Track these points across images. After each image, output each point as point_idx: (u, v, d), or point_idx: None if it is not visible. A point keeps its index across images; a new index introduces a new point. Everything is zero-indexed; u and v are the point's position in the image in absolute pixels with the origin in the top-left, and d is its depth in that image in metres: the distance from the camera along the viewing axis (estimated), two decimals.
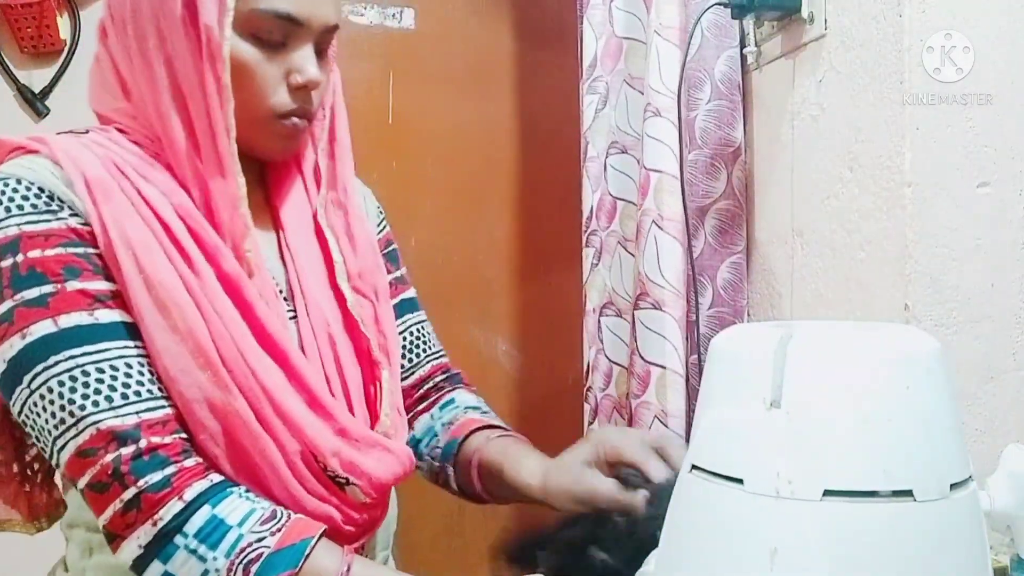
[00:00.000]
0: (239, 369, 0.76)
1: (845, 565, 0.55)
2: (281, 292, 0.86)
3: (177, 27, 0.77)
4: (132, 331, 0.75)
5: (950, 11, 0.99)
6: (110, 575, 0.81)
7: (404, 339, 1.01)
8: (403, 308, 1.02)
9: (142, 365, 0.74)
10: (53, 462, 0.75)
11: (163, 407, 0.74)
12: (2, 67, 1.88)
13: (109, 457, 0.71)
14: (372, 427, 0.86)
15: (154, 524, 0.71)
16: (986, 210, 1.00)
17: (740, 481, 0.58)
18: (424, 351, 1.04)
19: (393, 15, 1.88)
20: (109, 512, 0.72)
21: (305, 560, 0.71)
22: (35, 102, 1.92)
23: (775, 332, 0.62)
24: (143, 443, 0.72)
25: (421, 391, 1.04)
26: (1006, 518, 0.86)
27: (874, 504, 0.56)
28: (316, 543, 0.73)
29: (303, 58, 0.81)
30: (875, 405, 0.57)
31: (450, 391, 1.05)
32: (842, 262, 1.12)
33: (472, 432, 0.98)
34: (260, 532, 0.72)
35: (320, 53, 0.84)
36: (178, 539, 0.71)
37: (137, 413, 0.72)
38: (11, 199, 0.74)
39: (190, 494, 0.72)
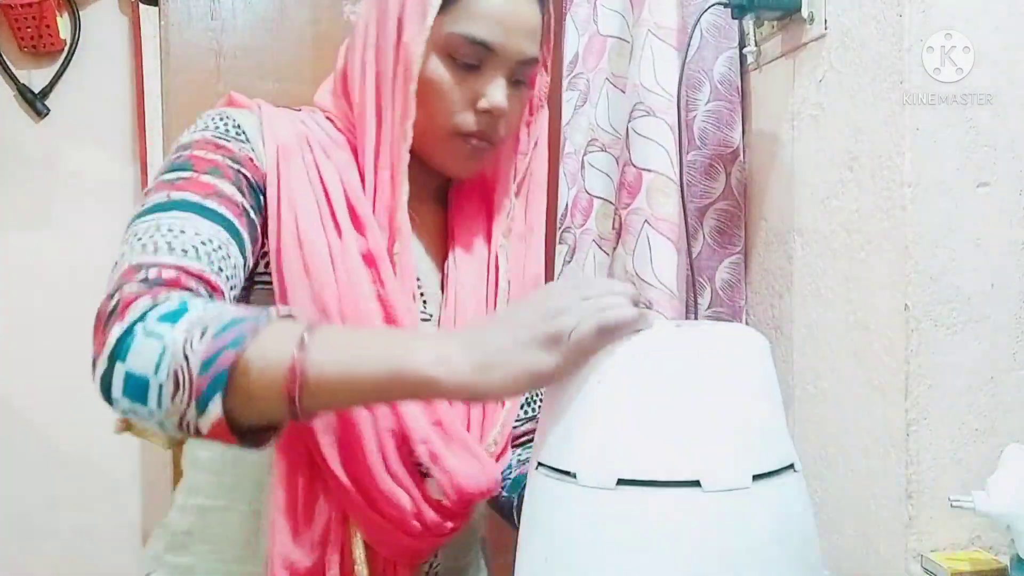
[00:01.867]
0: None
1: (637, 551, 0.58)
2: (424, 299, 0.89)
3: (388, 46, 0.85)
4: (228, 226, 0.77)
5: (950, 11, 0.99)
6: (206, 515, 0.86)
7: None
8: None
9: (211, 241, 0.75)
10: None
11: (204, 268, 0.72)
12: (2, 67, 1.89)
13: (132, 278, 0.70)
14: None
15: (122, 321, 0.66)
16: (986, 210, 1.00)
17: (566, 472, 0.63)
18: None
19: None
20: (95, 333, 0.68)
21: (268, 319, 0.66)
22: (35, 102, 1.92)
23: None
24: (153, 272, 0.70)
25: (527, 437, 1.06)
26: (1006, 518, 0.86)
27: (663, 492, 0.59)
28: (283, 316, 0.68)
29: (493, 84, 0.86)
30: (673, 398, 0.60)
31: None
32: (842, 262, 1.12)
33: None
34: (226, 307, 0.68)
35: (515, 83, 0.88)
36: (137, 327, 0.65)
37: (172, 259, 0.72)
38: (214, 122, 0.84)
39: (164, 294, 0.68)
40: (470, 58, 0.85)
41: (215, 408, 0.64)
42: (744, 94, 1.35)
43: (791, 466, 0.63)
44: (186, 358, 0.64)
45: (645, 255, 1.33)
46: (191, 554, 0.88)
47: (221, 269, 0.75)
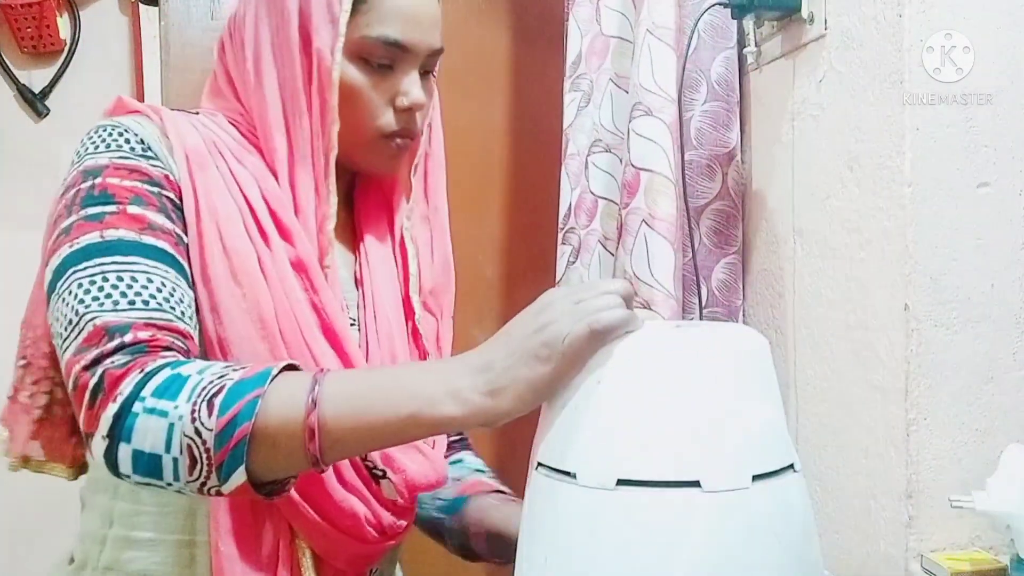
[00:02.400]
0: (296, 346, 0.78)
1: (637, 551, 0.58)
2: (346, 303, 0.87)
3: (292, 52, 0.82)
4: (171, 261, 0.75)
5: (950, 11, 0.99)
6: (129, 548, 0.81)
7: None
8: None
9: (164, 286, 0.73)
10: (64, 373, 0.71)
11: (171, 318, 0.72)
12: (2, 67, 1.88)
13: (93, 352, 0.68)
14: None
15: (115, 401, 0.66)
16: (986, 210, 1.00)
17: (565, 472, 0.62)
18: None
19: None
20: (83, 407, 0.68)
21: (272, 380, 0.66)
22: (35, 102, 1.92)
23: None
24: (128, 336, 0.69)
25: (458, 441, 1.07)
26: (1006, 518, 0.86)
27: (663, 493, 0.59)
28: (283, 368, 0.68)
29: (409, 82, 0.85)
30: (674, 399, 0.60)
31: (459, 451, 1.06)
32: (842, 262, 1.12)
33: (481, 493, 0.98)
34: (222, 372, 0.68)
35: (424, 74, 0.88)
36: (136, 406, 0.66)
37: (139, 315, 0.70)
38: (114, 139, 0.78)
39: (152, 365, 0.67)
40: (384, 59, 0.84)
41: (238, 477, 0.65)
42: (744, 94, 1.35)
43: (791, 466, 0.63)
44: (198, 433, 0.64)
45: (642, 255, 1.33)
46: None
47: (183, 313, 0.73)
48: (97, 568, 0.83)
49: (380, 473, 0.82)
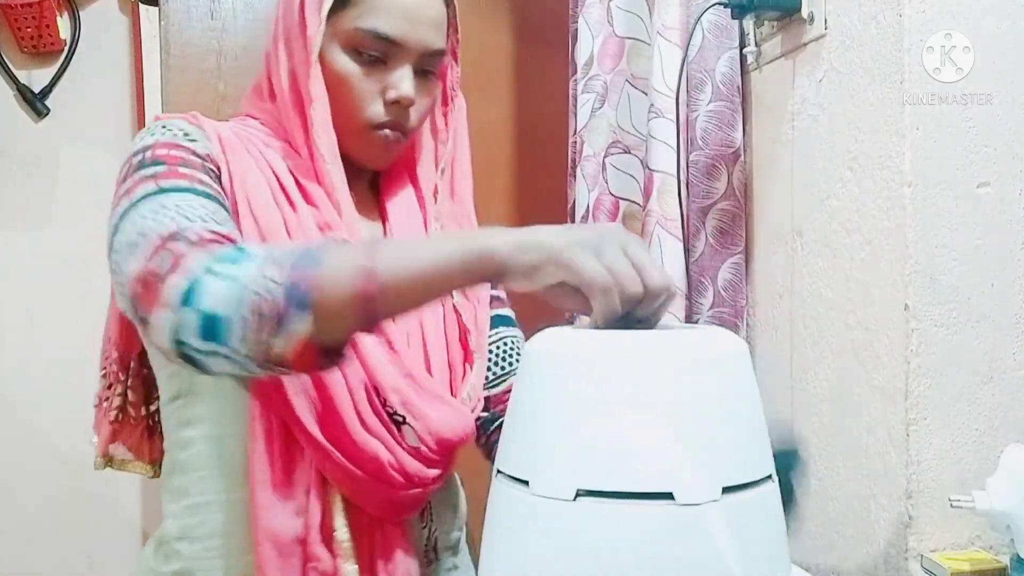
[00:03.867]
0: None
1: (598, 566, 0.55)
2: None
3: (296, 41, 0.88)
4: (222, 203, 0.80)
5: (950, 11, 0.99)
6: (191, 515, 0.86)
7: (495, 349, 1.02)
8: (497, 322, 1.04)
9: (218, 215, 0.77)
10: (124, 298, 0.73)
11: (229, 231, 0.75)
12: (2, 67, 1.89)
13: (160, 252, 0.71)
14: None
15: (180, 274, 0.68)
16: (986, 210, 1.00)
17: (520, 481, 0.60)
18: (514, 362, 1.05)
19: None
20: (143, 293, 0.70)
21: (338, 242, 0.71)
22: (35, 102, 1.92)
23: (579, 336, 0.63)
24: (192, 235, 0.72)
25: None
26: (1006, 518, 0.86)
27: (630, 505, 0.55)
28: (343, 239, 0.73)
29: (399, 76, 0.87)
30: (643, 409, 0.57)
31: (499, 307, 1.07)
32: (842, 262, 1.12)
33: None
34: (290, 247, 0.72)
35: (423, 74, 0.90)
36: (204, 274, 0.67)
37: (203, 225, 0.74)
38: (159, 129, 0.84)
39: (217, 247, 0.71)
40: (375, 51, 0.86)
41: (303, 328, 0.66)
42: (744, 94, 1.36)
43: (768, 477, 0.61)
44: (267, 289, 0.66)
45: (656, 255, 1.33)
46: (184, 558, 0.87)
47: (237, 238, 0.77)
48: (169, 541, 0.88)
49: (400, 419, 0.84)
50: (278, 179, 0.85)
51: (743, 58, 1.33)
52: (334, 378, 0.80)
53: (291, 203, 0.85)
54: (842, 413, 1.13)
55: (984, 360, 1.00)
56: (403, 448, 0.84)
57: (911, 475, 0.99)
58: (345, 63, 0.87)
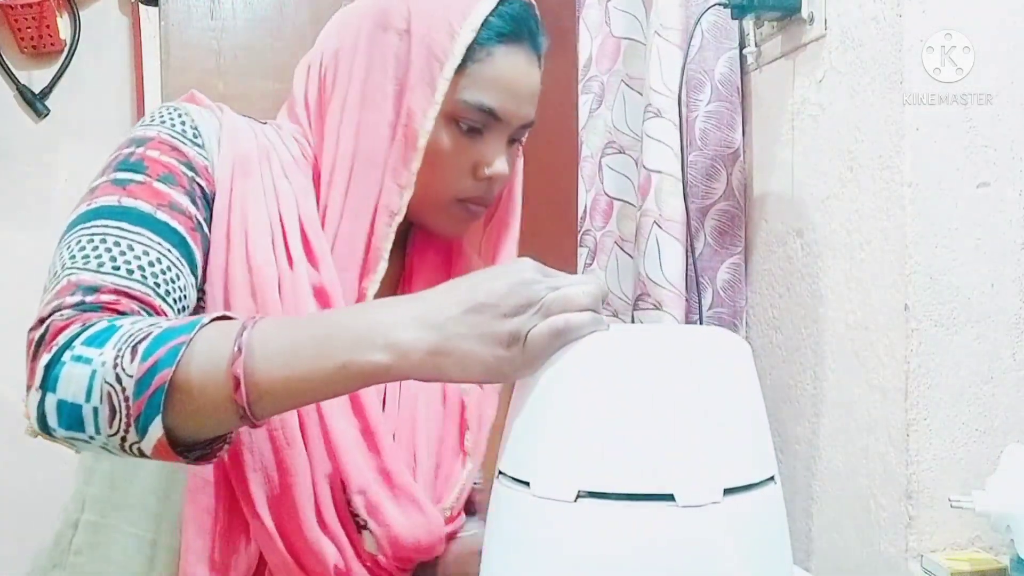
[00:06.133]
0: None
1: (599, 566, 0.55)
2: None
3: (381, 100, 0.80)
4: (178, 242, 0.73)
5: (950, 11, 0.99)
6: (97, 534, 0.81)
7: None
8: None
9: (159, 262, 0.70)
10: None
11: (148, 291, 0.69)
12: (2, 67, 1.89)
13: (54, 303, 0.66)
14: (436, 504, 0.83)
15: (49, 352, 0.63)
16: (986, 210, 1.00)
17: (521, 482, 0.59)
18: None
19: None
20: (27, 360, 0.65)
21: (200, 328, 0.62)
22: (35, 102, 1.92)
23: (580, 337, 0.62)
24: (91, 297, 0.66)
25: None
26: (1006, 518, 0.86)
27: (631, 507, 0.55)
28: (216, 317, 0.64)
29: (495, 152, 0.83)
30: (645, 410, 0.56)
31: None
32: (842, 262, 1.12)
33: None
34: (155, 321, 0.64)
35: (511, 142, 0.86)
36: (66, 355, 0.62)
37: (115, 280, 0.68)
38: (170, 117, 0.79)
39: (95, 319, 0.64)
40: (476, 124, 0.82)
41: (156, 431, 0.60)
42: (744, 94, 1.36)
43: (771, 478, 0.60)
44: (118, 380, 0.60)
45: (654, 256, 1.33)
46: (78, 575, 0.81)
47: (169, 292, 0.71)
48: (68, 551, 0.83)
49: (362, 524, 0.78)
50: (282, 224, 0.78)
51: (743, 58, 1.33)
52: (299, 462, 0.74)
53: (289, 256, 0.77)
54: (842, 413, 1.13)
55: (984, 360, 1.00)
56: (358, 555, 0.78)
57: (911, 475, 0.99)
58: (440, 134, 0.81)
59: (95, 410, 0.61)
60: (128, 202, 0.72)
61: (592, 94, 1.51)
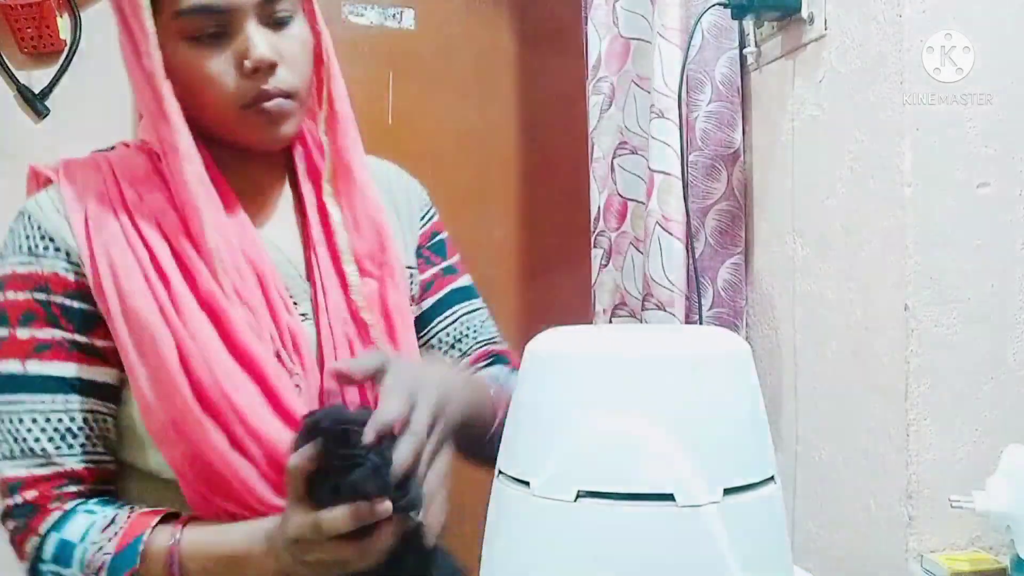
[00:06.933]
0: (212, 390, 0.76)
1: (599, 566, 0.55)
2: (293, 298, 0.84)
3: (132, 56, 0.82)
4: (58, 386, 0.80)
5: (950, 11, 0.99)
6: None
7: (450, 332, 0.98)
8: (451, 299, 0.99)
9: (47, 420, 0.79)
10: None
11: (58, 464, 0.80)
12: (2, 67, 1.89)
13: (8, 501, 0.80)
14: None
15: (25, 559, 0.79)
16: (986, 210, 1.00)
17: (521, 482, 0.59)
18: (472, 339, 0.99)
19: (393, 16, 1.88)
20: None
21: (141, 557, 0.75)
22: (35, 102, 1.92)
23: (581, 336, 0.63)
24: (18, 498, 0.79)
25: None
26: (1006, 518, 0.86)
27: (631, 506, 0.55)
28: (150, 534, 0.76)
29: (245, 40, 0.78)
30: (645, 410, 0.56)
31: (487, 366, 0.99)
32: (842, 262, 1.12)
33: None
34: (99, 541, 0.76)
35: (277, 25, 0.81)
36: (42, 567, 0.78)
37: (27, 470, 0.79)
38: (18, 236, 0.82)
39: (43, 528, 0.78)
40: (209, 27, 0.78)
41: None
42: (744, 94, 1.36)
43: (771, 478, 0.60)
44: None
45: (657, 256, 1.34)
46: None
47: (71, 445, 0.80)
48: None
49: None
50: (149, 251, 0.79)
51: (743, 58, 1.33)
52: (242, 468, 0.76)
53: (165, 282, 0.78)
54: (842, 413, 1.13)
55: (984, 360, 1.00)
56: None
57: (911, 475, 0.99)
58: (186, 52, 0.78)
59: None
60: (2, 367, 0.80)
61: (603, 95, 1.51)
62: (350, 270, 0.86)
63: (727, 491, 0.56)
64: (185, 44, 0.79)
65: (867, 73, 1.06)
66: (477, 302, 1.02)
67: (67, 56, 1.93)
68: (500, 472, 0.62)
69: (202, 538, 0.77)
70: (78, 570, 0.76)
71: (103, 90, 2.06)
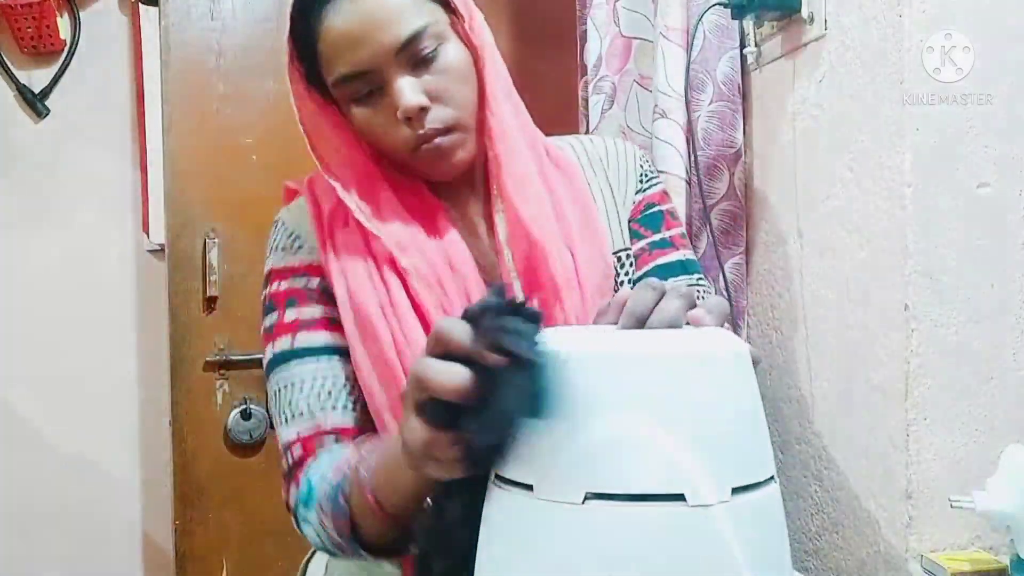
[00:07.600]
0: None
1: (608, 568, 0.55)
2: None
3: (325, 125, 0.93)
4: (322, 351, 0.90)
5: (950, 11, 0.99)
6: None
7: None
8: (653, 275, 0.96)
9: (314, 381, 0.89)
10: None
11: (320, 422, 0.88)
12: (2, 67, 1.89)
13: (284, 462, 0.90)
14: None
15: (289, 508, 0.88)
16: (986, 210, 1.00)
17: (523, 485, 0.59)
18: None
19: None
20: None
21: (348, 481, 0.80)
22: (35, 102, 1.93)
23: (586, 337, 0.63)
24: (289, 459, 0.89)
25: None
26: (1006, 518, 0.86)
27: (641, 507, 0.55)
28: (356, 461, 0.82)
29: (395, 92, 0.84)
30: (652, 410, 0.56)
31: None
32: (842, 262, 1.12)
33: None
34: (328, 476, 0.83)
35: (424, 63, 0.84)
36: (297, 515, 0.86)
37: (295, 431, 0.89)
38: (275, 239, 0.96)
39: (301, 476, 0.87)
40: (362, 88, 0.85)
41: (353, 548, 0.82)
42: (745, 94, 1.36)
43: (772, 478, 0.60)
44: (328, 531, 0.83)
45: None
46: None
47: (335, 405, 0.88)
48: None
49: None
50: (373, 257, 0.88)
51: (743, 58, 1.34)
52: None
53: (386, 286, 0.88)
54: (842, 413, 1.13)
55: (984, 360, 1.00)
56: None
57: (911, 475, 0.99)
58: (356, 113, 0.87)
59: (330, 551, 0.86)
60: (276, 347, 0.91)
61: (603, 95, 1.51)
62: (516, 287, 0.91)
63: (734, 491, 0.56)
64: (355, 106, 0.87)
65: (867, 73, 1.06)
66: (688, 279, 0.97)
67: (67, 56, 1.94)
68: (497, 476, 0.62)
69: (376, 458, 0.83)
70: (321, 507, 0.82)
71: (103, 90, 2.06)
